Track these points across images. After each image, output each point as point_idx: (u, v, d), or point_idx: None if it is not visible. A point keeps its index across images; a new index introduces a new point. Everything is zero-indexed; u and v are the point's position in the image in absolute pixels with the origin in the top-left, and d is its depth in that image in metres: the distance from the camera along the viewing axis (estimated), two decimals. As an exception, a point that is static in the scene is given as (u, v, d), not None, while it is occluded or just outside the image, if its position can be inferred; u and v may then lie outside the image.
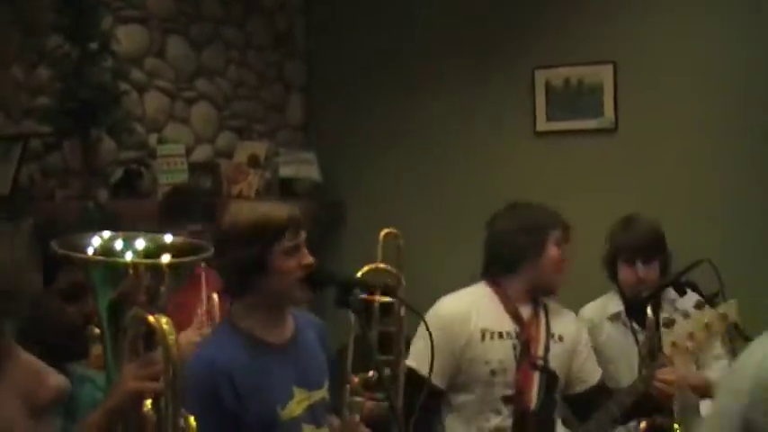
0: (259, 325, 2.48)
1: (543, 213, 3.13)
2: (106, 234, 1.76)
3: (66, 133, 4.49)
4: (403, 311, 2.74)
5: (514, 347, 3.01)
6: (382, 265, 2.73)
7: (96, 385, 1.99)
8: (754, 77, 4.76)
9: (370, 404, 2.54)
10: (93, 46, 4.45)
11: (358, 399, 2.49)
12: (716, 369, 3.43)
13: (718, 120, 4.83)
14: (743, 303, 3.14)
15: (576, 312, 3.56)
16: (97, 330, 1.84)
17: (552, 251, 3.09)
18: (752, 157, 4.76)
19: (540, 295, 3.14)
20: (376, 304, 2.66)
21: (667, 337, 2.99)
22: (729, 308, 2.98)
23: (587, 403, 3.09)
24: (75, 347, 1.94)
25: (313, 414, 2.49)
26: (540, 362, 3.00)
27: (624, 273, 3.42)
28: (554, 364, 3.04)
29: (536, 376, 3.00)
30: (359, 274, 2.62)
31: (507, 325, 3.04)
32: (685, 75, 4.91)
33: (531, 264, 3.08)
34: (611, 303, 3.52)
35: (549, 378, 3.01)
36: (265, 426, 2.39)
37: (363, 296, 2.55)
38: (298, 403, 2.46)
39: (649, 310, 3.17)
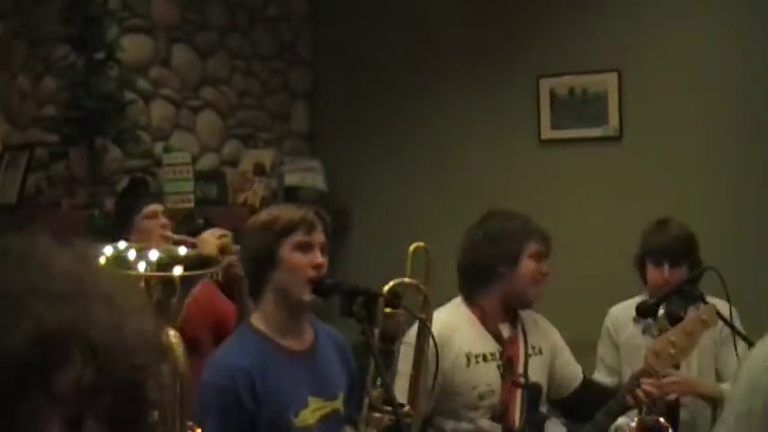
0: (277, 330, 2.50)
1: (517, 224, 3.04)
2: (122, 245, 1.77)
3: (73, 142, 4.51)
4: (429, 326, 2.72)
5: (499, 368, 2.97)
6: (408, 279, 2.70)
7: None
8: (759, 84, 4.76)
9: (387, 419, 2.52)
10: (99, 55, 4.48)
11: (377, 414, 2.47)
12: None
13: (723, 127, 4.83)
14: (749, 310, 3.15)
15: (596, 331, 3.56)
16: None
17: (526, 265, 3.01)
18: (757, 164, 4.75)
19: (516, 308, 3.08)
20: (402, 317, 2.64)
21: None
22: (709, 311, 2.99)
23: (576, 403, 3.08)
24: None
25: (327, 424, 2.49)
26: (522, 379, 2.96)
27: (652, 274, 3.40)
28: (536, 377, 3.00)
29: (518, 394, 2.96)
30: (386, 288, 2.60)
31: (490, 346, 2.99)
32: (689, 82, 4.92)
33: (502, 278, 3.00)
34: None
35: (532, 393, 2.97)
36: (277, 431, 2.40)
37: (388, 309, 2.55)
38: (312, 412, 2.46)
39: (661, 311, 3.17)
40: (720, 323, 3.41)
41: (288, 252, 2.44)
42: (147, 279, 1.68)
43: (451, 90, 5.51)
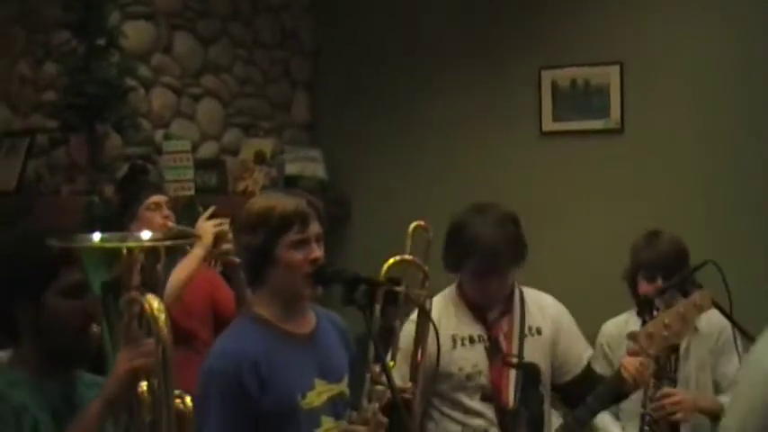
0: (279, 316, 2.49)
1: (478, 238, 2.92)
2: (106, 234, 1.83)
3: (73, 129, 4.49)
4: (429, 304, 2.76)
5: (486, 349, 2.98)
6: (408, 257, 2.72)
7: None
8: (761, 76, 4.75)
9: (390, 393, 2.53)
10: (101, 41, 4.46)
11: (379, 387, 2.49)
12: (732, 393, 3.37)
13: (724, 120, 4.83)
14: (748, 305, 3.13)
15: (598, 327, 3.54)
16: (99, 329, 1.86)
17: (467, 280, 3.00)
18: (758, 158, 4.75)
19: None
20: (401, 297, 2.67)
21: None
22: (703, 297, 2.98)
23: (576, 391, 3.04)
24: (77, 348, 1.95)
25: (333, 406, 2.49)
26: (514, 359, 2.96)
27: (644, 288, 3.35)
28: (533, 357, 2.98)
29: (512, 374, 2.96)
30: (386, 266, 2.62)
31: (476, 328, 3.00)
32: (691, 75, 4.91)
33: (459, 276, 3.04)
34: (632, 321, 3.46)
35: (528, 373, 2.97)
36: (284, 414, 2.40)
37: (395, 289, 2.58)
38: (318, 394, 2.46)
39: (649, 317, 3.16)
40: (716, 334, 3.41)
41: (284, 250, 2.43)
42: (131, 249, 1.72)
43: (453, 81, 5.50)
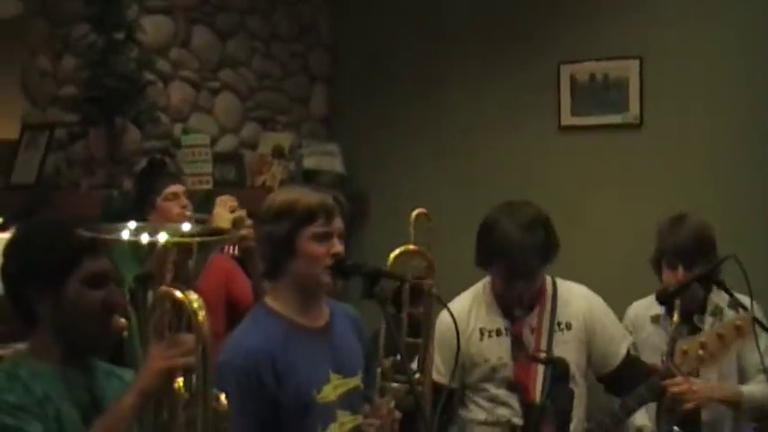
0: (294, 309, 2.49)
1: (505, 241, 2.93)
2: (132, 224, 1.79)
3: (92, 122, 4.51)
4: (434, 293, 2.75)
5: (512, 343, 3.02)
6: (413, 247, 2.71)
7: (124, 382, 1.97)
8: (782, 73, 4.71)
9: (405, 389, 2.53)
10: (119, 35, 4.48)
11: (394, 384, 2.49)
12: (758, 381, 3.27)
13: (745, 115, 4.79)
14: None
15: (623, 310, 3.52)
16: (123, 320, 1.84)
17: (496, 279, 3.04)
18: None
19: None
20: (406, 289, 2.66)
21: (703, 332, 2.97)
22: (744, 319, 2.92)
23: (620, 381, 3.05)
24: (98, 337, 1.94)
25: (348, 401, 2.50)
26: (542, 354, 2.96)
27: (666, 276, 3.30)
28: (562, 352, 2.96)
29: (539, 369, 2.97)
30: (391, 257, 2.62)
31: (504, 322, 3.04)
32: (711, 70, 4.87)
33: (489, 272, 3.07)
34: (656, 304, 3.43)
35: (556, 368, 2.97)
36: (301, 408, 2.40)
37: (417, 283, 2.58)
38: (333, 388, 2.46)
39: (675, 315, 3.12)
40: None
41: (306, 242, 2.44)
42: (165, 244, 1.69)
43: (472, 75, 5.48)
